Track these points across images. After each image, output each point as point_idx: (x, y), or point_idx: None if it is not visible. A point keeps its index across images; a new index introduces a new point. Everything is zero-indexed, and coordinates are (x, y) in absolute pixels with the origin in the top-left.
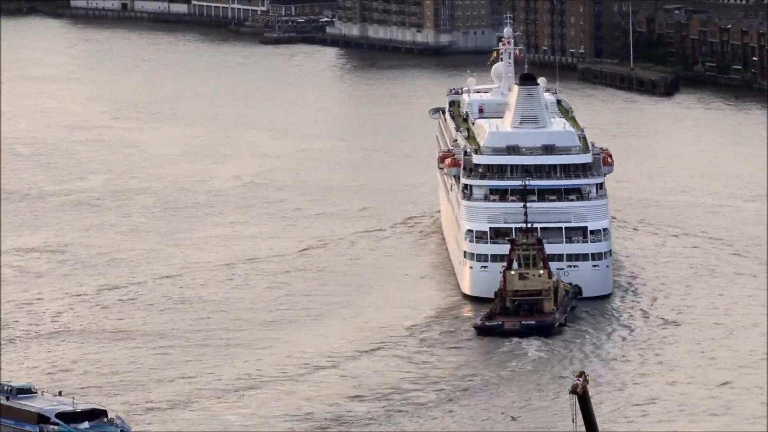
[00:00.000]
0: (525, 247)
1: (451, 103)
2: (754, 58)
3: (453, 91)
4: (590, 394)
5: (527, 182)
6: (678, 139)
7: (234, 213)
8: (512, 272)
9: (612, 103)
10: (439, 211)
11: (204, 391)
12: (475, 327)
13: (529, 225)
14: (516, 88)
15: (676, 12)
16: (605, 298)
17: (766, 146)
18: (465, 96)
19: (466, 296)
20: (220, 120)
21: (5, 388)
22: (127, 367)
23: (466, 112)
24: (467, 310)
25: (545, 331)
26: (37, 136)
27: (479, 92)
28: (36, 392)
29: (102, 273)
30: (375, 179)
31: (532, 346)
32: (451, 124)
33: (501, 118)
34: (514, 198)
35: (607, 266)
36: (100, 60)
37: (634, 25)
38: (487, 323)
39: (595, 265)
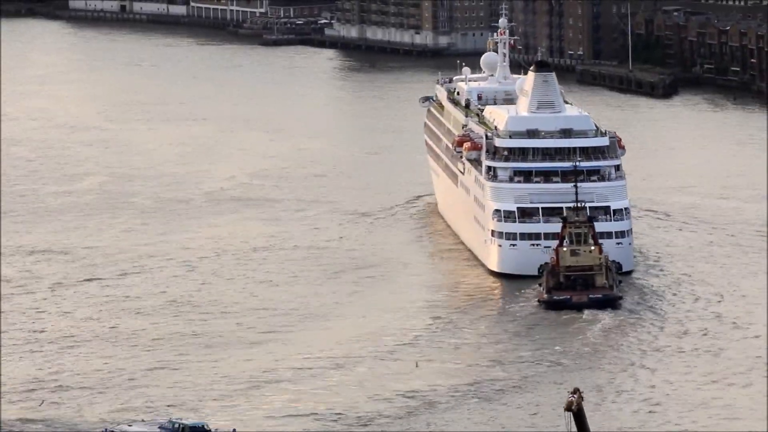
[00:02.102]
0: (577, 224)
1: (450, 91)
2: (752, 59)
3: (444, 81)
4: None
5: (578, 163)
6: (676, 140)
7: (231, 212)
8: (564, 249)
9: (611, 105)
10: (433, 195)
11: (211, 392)
12: (541, 301)
13: (580, 204)
14: (532, 74)
15: (675, 14)
16: (628, 273)
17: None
18: (462, 84)
19: (493, 273)
20: (217, 121)
21: (177, 426)
22: (120, 370)
23: (467, 100)
24: (507, 289)
25: (611, 303)
26: (34, 137)
27: (474, 81)
28: (210, 431)
29: (100, 273)
30: (372, 174)
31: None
32: (455, 111)
33: (503, 105)
34: (538, 179)
35: (630, 243)
36: (98, 61)
37: (632, 27)
38: (555, 297)
39: (618, 243)
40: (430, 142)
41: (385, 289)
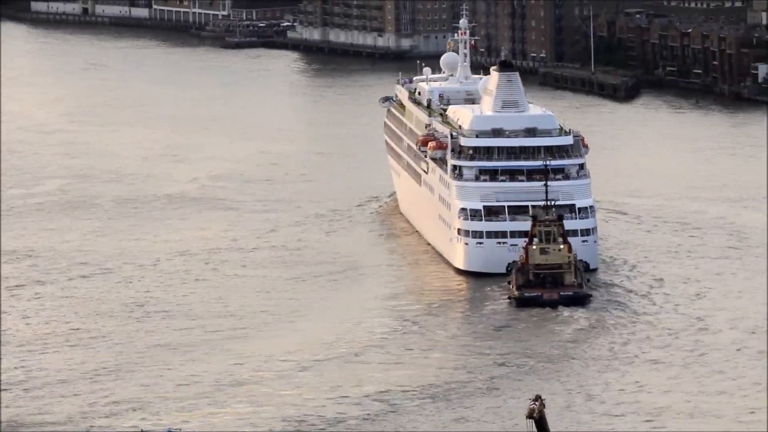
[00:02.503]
0: (546, 223)
1: (411, 92)
2: (714, 62)
3: (404, 81)
4: None
5: (548, 162)
6: (639, 142)
7: (193, 215)
8: (534, 247)
9: (573, 107)
10: (393, 194)
11: (176, 395)
12: (512, 299)
13: (550, 203)
14: (496, 74)
15: (637, 16)
16: (593, 271)
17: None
18: (423, 84)
19: (459, 271)
20: (180, 123)
21: None
22: (83, 374)
23: (429, 99)
24: (468, 287)
25: (581, 301)
26: None
27: (435, 81)
28: None
29: (66, 276)
30: (332, 176)
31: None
32: (417, 110)
33: (464, 104)
34: (504, 178)
35: (595, 241)
36: (60, 64)
37: (594, 29)
38: (526, 294)
39: (584, 240)
40: (391, 142)
41: (351, 290)
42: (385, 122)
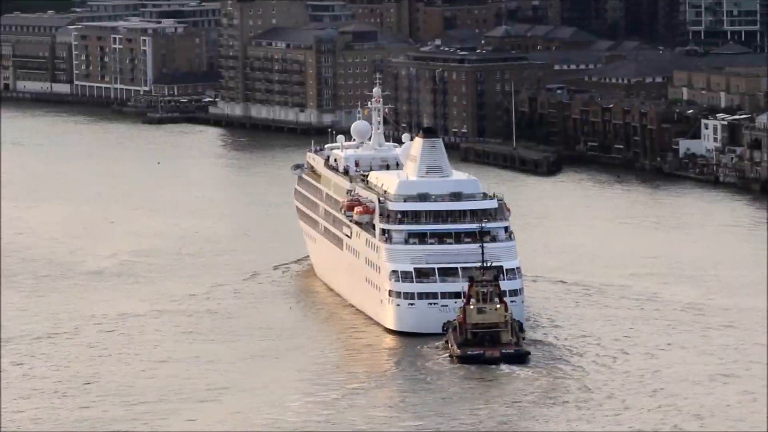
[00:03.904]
0: (483, 283)
1: (327, 159)
2: (635, 137)
3: (315, 149)
4: None
5: (484, 224)
6: (559, 216)
7: (112, 290)
8: (471, 307)
9: (494, 182)
10: (307, 258)
11: None
12: (453, 356)
13: (486, 263)
14: (420, 140)
15: (558, 92)
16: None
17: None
18: (338, 152)
19: (390, 332)
20: (99, 199)
21: None
22: None
23: (346, 166)
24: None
25: (522, 358)
26: None
27: (348, 148)
28: None
29: None
30: (245, 247)
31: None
32: (335, 177)
33: (380, 171)
34: (433, 240)
35: (522, 302)
36: None
37: (516, 105)
38: (469, 352)
39: (513, 301)
40: (304, 208)
41: (285, 357)
42: (296, 189)
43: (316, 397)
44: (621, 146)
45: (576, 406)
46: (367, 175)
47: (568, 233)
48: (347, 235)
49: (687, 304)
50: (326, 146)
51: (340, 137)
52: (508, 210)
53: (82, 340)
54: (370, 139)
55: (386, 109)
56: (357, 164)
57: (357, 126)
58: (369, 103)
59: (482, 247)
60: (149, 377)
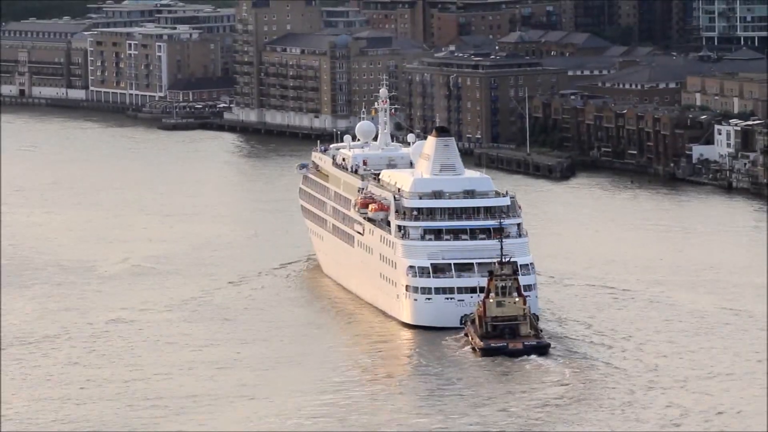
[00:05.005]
0: (502, 277)
1: (334, 158)
2: (649, 143)
3: (321, 149)
4: None
5: (502, 221)
6: (572, 222)
7: (124, 295)
8: (491, 300)
9: (508, 187)
10: (313, 256)
11: None
12: (477, 349)
13: (505, 258)
14: (433, 139)
15: (572, 97)
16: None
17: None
18: (346, 151)
19: (407, 326)
20: (113, 205)
21: None
22: None
23: (354, 165)
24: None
25: (543, 350)
26: None
27: (355, 148)
28: None
29: None
30: (258, 250)
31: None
32: (345, 175)
33: (388, 169)
34: (448, 237)
35: (536, 296)
36: None
37: (530, 110)
38: (492, 345)
39: (527, 295)
40: (311, 207)
41: (308, 354)
42: (300, 188)
43: (336, 395)
44: (634, 152)
45: (603, 406)
46: (379, 174)
47: (581, 237)
48: (359, 232)
49: (694, 309)
50: (331, 146)
51: (347, 137)
52: (520, 207)
53: (91, 343)
54: (374, 138)
55: (393, 110)
56: (365, 163)
57: (362, 126)
58: (376, 103)
59: (501, 242)
60: (161, 380)
